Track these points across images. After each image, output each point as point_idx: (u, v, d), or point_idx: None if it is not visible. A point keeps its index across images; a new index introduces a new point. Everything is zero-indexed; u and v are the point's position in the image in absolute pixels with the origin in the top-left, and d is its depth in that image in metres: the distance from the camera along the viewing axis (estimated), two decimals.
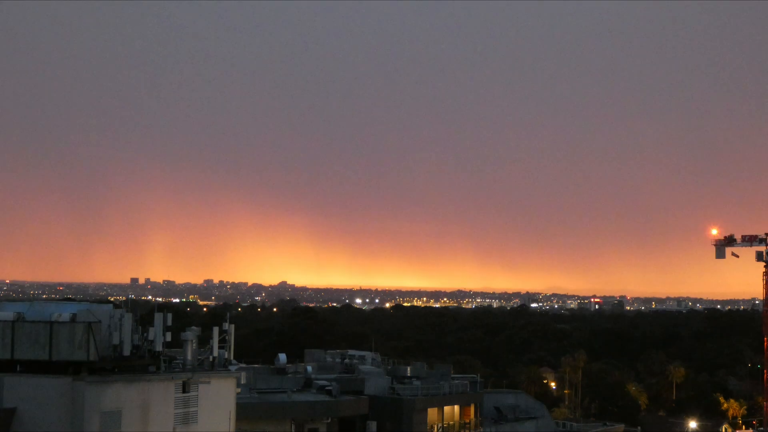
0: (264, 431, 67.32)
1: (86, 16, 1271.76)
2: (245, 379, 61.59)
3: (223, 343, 48.80)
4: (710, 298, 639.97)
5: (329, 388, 74.14)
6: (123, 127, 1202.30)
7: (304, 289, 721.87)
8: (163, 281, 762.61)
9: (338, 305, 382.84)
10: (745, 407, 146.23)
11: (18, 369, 41.52)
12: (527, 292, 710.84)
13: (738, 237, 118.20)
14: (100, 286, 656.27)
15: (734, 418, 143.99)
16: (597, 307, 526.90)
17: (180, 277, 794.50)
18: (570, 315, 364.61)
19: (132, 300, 52.06)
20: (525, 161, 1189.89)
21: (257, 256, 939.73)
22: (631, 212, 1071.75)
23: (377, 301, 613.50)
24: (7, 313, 43.46)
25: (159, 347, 44.46)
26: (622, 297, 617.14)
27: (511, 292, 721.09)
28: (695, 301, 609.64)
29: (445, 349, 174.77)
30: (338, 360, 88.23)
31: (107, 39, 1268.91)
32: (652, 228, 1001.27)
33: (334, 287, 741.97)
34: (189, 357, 46.42)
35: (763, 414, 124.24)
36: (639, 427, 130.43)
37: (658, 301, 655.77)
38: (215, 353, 48.05)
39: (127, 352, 42.76)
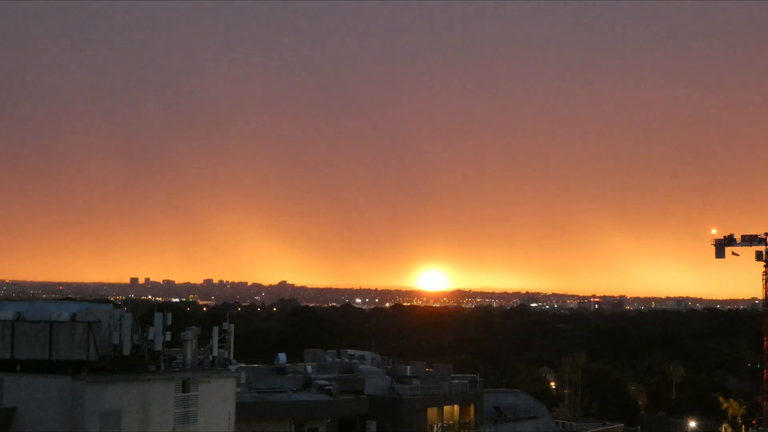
0: (264, 431, 67.33)
1: (83, 17, 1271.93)
2: (245, 378, 61.66)
3: (223, 342, 48.88)
4: (710, 298, 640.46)
5: (329, 387, 74.14)
6: (122, 127, 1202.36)
7: (304, 289, 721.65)
8: (163, 281, 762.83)
9: (338, 305, 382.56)
10: (744, 407, 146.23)
11: (18, 369, 41.55)
12: (527, 292, 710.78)
13: (738, 237, 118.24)
14: (100, 286, 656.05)
15: (734, 417, 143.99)
16: (597, 306, 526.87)
17: (180, 277, 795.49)
18: (570, 315, 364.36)
19: (132, 300, 52.13)
20: (525, 162, 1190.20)
21: (257, 256, 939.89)
22: (631, 212, 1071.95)
23: (377, 301, 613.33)
24: (7, 313, 43.53)
25: (159, 347, 44.53)
26: (622, 297, 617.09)
27: (511, 292, 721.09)
28: (695, 301, 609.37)
29: (445, 349, 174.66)
30: (339, 360, 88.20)
31: (106, 38, 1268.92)
32: (652, 228, 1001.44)
33: (334, 287, 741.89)
34: (189, 357, 46.49)
35: (763, 414, 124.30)
36: (639, 427, 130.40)
37: (658, 301, 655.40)
38: (215, 353, 48.15)
39: (126, 351, 42.83)
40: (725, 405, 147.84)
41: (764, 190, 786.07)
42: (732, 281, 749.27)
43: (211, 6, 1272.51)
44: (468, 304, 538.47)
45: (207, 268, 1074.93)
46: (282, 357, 79.36)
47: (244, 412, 56.32)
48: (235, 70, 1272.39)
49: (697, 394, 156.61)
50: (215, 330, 48.41)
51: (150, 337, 44.30)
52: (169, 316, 45.75)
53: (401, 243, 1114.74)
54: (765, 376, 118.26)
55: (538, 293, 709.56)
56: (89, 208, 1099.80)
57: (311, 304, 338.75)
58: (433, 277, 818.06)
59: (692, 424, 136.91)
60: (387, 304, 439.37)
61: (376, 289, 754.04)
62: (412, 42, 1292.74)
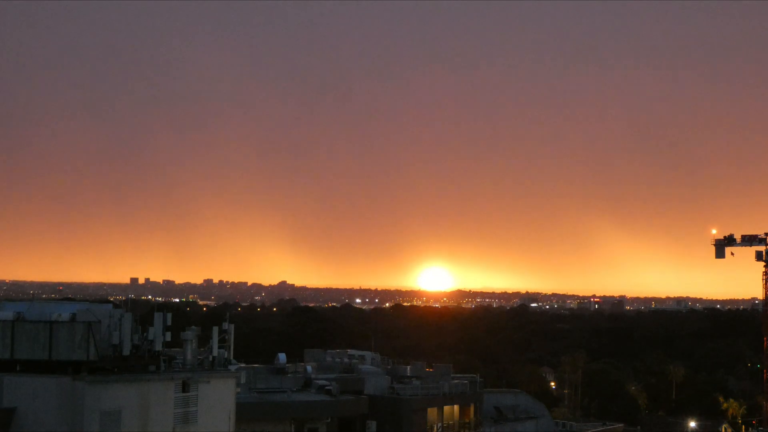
0: (264, 431, 67.35)
1: (80, 17, 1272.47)
2: (245, 378, 61.70)
3: (222, 342, 48.93)
4: (710, 298, 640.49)
5: (329, 387, 74.17)
6: (122, 128, 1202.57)
7: (304, 289, 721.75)
8: (163, 281, 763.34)
9: (338, 305, 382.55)
10: (744, 407, 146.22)
11: (18, 369, 41.58)
12: (527, 292, 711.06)
13: (738, 237, 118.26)
14: (100, 286, 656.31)
15: (734, 417, 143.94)
16: (597, 306, 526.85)
17: (180, 277, 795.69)
18: (570, 315, 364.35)
19: (132, 300, 52.19)
20: (525, 161, 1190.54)
21: (257, 256, 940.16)
22: (631, 212, 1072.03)
23: (377, 301, 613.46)
24: (7, 313, 43.58)
25: (159, 347, 44.58)
26: (622, 297, 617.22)
27: (511, 292, 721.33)
28: (695, 301, 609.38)
29: (445, 349, 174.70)
30: (339, 360, 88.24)
31: (109, 38, 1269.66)
32: (652, 228, 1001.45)
33: (334, 287, 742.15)
34: (189, 357, 46.53)
35: (763, 414, 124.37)
36: (639, 427, 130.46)
37: (658, 301, 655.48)
38: (215, 353, 48.19)
39: (126, 351, 42.86)
40: (725, 405, 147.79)
41: (764, 190, 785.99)
42: (732, 281, 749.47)
43: (208, 7, 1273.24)
44: (468, 304, 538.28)
45: (207, 268, 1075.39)
46: (282, 357, 79.37)
47: (244, 412, 56.34)
48: (235, 71, 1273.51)
49: (697, 394, 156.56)
50: (215, 330, 48.47)
51: (150, 337, 44.35)
52: (169, 316, 45.81)
53: (401, 243, 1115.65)
54: (765, 376, 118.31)
55: (538, 293, 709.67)
56: (89, 208, 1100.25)
57: (311, 304, 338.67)
58: (436, 275, 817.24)
59: (692, 424, 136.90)
60: (387, 304, 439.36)
61: (376, 289, 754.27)
62: (411, 41, 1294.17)
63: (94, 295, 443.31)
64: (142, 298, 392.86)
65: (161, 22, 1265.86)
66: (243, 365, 66.34)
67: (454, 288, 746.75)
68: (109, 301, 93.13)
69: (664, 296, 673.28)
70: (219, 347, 48.52)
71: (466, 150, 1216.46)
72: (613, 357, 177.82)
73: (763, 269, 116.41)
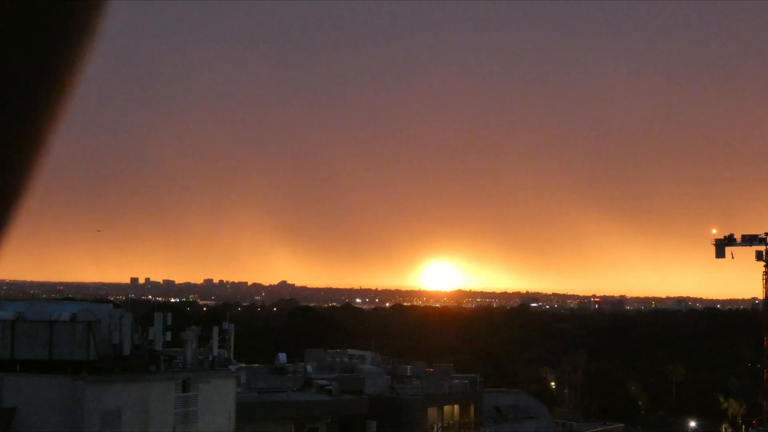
0: (264, 431, 67.36)
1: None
2: (245, 378, 61.70)
3: (223, 342, 49.01)
4: (710, 298, 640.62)
5: (329, 387, 74.20)
6: (120, 127, 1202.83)
7: (304, 289, 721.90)
8: (163, 281, 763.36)
9: (338, 305, 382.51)
10: (744, 407, 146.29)
11: (18, 369, 41.60)
12: (527, 292, 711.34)
13: (738, 237, 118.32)
14: (100, 286, 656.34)
15: (734, 417, 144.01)
16: (597, 306, 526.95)
17: (180, 277, 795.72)
18: (570, 315, 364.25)
19: (132, 300, 52.32)
20: (525, 162, 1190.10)
21: (257, 256, 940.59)
22: (631, 212, 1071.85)
23: (377, 301, 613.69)
24: (7, 313, 43.59)
25: (159, 347, 44.65)
26: (622, 297, 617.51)
27: (511, 292, 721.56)
28: (695, 301, 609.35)
29: (445, 349, 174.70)
30: (339, 360, 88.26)
31: (118, 39, 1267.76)
32: (652, 228, 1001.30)
33: (334, 287, 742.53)
34: (189, 356, 46.58)
35: (763, 414, 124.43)
36: (639, 427, 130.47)
37: (658, 301, 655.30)
38: (215, 353, 48.26)
39: (126, 351, 42.92)
40: (725, 405, 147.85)
41: (764, 190, 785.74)
42: (732, 281, 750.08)
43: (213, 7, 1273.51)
44: (468, 304, 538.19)
45: (207, 268, 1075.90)
46: (282, 357, 79.43)
47: (244, 412, 56.34)
48: (237, 70, 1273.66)
49: (697, 394, 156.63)
50: (215, 330, 48.55)
51: (150, 337, 44.42)
52: (169, 316, 45.90)
53: (401, 243, 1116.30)
54: (765, 376, 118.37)
55: (538, 293, 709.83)
56: (89, 208, 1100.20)
57: (311, 304, 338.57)
58: (440, 271, 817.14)
59: (692, 424, 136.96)
60: (387, 304, 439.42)
61: (376, 289, 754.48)
62: (411, 40, 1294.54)
63: (94, 295, 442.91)
64: (142, 298, 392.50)
65: (159, 27, 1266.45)
66: (243, 365, 66.36)
67: (455, 288, 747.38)
68: (109, 301, 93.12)
69: (664, 296, 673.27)
70: (219, 347, 48.60)
71: (466, 150, 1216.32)
72: (613, 357, 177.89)
73: (763, 269, 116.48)
